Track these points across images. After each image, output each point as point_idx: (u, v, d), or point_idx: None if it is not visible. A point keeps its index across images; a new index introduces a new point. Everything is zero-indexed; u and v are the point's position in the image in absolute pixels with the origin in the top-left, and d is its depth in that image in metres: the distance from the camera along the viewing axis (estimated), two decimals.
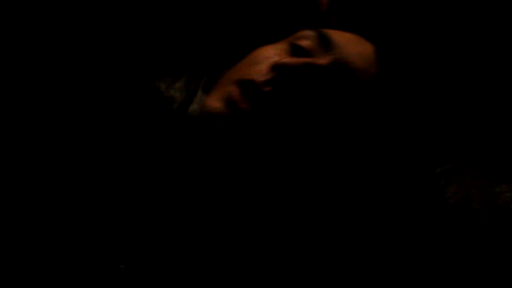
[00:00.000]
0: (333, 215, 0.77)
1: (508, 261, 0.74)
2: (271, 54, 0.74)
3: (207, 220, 0.74)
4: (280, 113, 0.71)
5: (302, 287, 0.73)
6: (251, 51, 0.77)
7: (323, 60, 0.72)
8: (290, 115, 0.72)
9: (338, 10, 0.89)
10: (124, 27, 0.82)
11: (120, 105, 0.93)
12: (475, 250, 0.76)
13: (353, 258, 0.77)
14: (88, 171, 0.84)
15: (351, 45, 0.75)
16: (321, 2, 0.92)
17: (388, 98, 0.77)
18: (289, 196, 0.75)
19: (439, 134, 1.10)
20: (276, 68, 0.71)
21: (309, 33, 0.76)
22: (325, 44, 0.74)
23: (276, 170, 0.74)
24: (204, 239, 0.73)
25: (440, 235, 0.78)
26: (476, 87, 1.09)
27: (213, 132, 0.72)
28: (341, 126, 0.74)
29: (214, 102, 0.72)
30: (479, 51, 1.08)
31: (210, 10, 0.85)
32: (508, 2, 1.05)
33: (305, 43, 0.75)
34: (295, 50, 0.75)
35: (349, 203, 0.77)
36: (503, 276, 0.74)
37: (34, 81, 0.97)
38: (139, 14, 0.84)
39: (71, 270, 0.76)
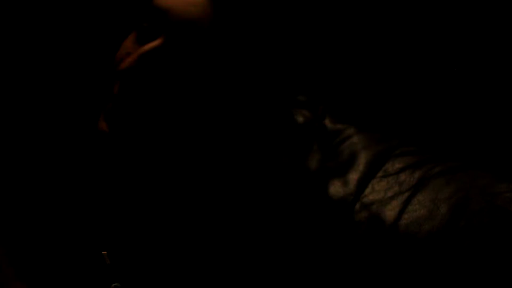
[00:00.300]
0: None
1: (508, 262, 0.74)
2: (124, 54, 0.76)
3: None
4: (145, 102, 0.73)
5: None
6: None
7: (155, 42, 0.73)
8: (155, 96, 0.73)
9: None
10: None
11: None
12: (475, 251, 0.76)
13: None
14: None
15: (178, 0, 0.73)
16: None
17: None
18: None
19: (439, 134, 1.10)
20: (118, 75, 0.73)
21: (144, 10, 0.76)
22: (158, 15, 0.74)
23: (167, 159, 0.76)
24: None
25: (439, 236, 0.78)
26: (476, 87, 1.09)
27: (107, 147, 0.76)
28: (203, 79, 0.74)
29: (100, 123, 0.75)
30: (479, 51, 1.08)
31: None
32: (508, 2, 1.05)
33: (143, 23, 0.75)
34: (140, 34, 0.76)
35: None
36: (503, 277, 0.74)
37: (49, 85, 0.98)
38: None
39: (71, 270, 0.76)
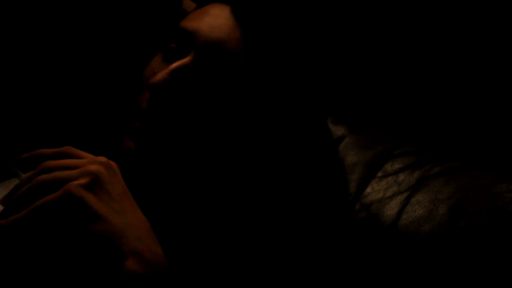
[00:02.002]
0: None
1: (508, 262, 0.74)
2: (150, 73, 0.77)
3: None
4: (174, 119, 0.74)
5: None
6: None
7: (186, 59, 0.75)
8: (184, 113, 0.74)
9: None
10: None
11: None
12: (475, 251, 0.76)
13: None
14: None
15: (206, 23, 0.76)
16: None
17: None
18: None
19: (439, 134, 1.10)
20: (148, 89, 0.74)
21: (174, 31, 0.78)
22: (187, 35, 0.76)
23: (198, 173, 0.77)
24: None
25: (438, 236, 0.78)
26: (476, 87, 1.09)
27: (135, 168, 0.75)
28: (236, 107, 0.75)
29: (126, 142, 0.75)
30: (479, 51, 1.08)
31: None
32: (508, 2, 1.05)
33: (171, 44, 0.78)
34: (167, 54, 0.78)
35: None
36: (503, 277, 0.74)
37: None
38: None
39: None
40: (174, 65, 0.74)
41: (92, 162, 0.63)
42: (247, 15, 0.76)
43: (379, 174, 0.87)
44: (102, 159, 0.65)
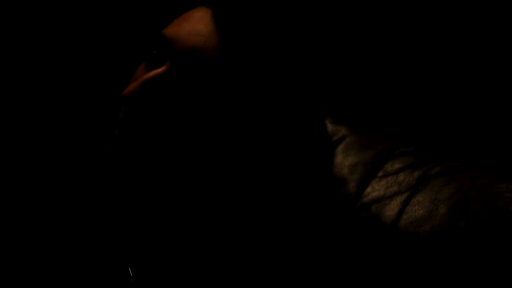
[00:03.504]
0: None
1: (508, 262, 0.74)
2: (132, 79, 0.77)
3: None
4: (148, 129, 0.74)
5: None
6: None
7: (159, 69, 0.74)
8: (158, 122, 0.74)
9: None
10: None
11: None
12: (475, 251, 0.76)
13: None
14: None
15: (185, 30, 0.75)
16: None
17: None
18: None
19: (439, 134, 1.10)
20: (121, 101, 0.74)
21: (153, 38, 0.78)
22: (164, 44, 0.75)
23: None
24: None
25: (439, 237, 0.78)
26: (476, 87, 1.09)
27: (112, 174, 0.77)
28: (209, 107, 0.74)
29: (107, 149, 0.76)
30: (479, 51, 1.08)
31: None
32: (508, 2, 1.05)
33: (152, 51, 0.77)
34: (149, 62, 0.78)
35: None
36: (503, 277, 0.74)
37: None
38: None
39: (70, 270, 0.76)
40: (147, 75, 0.74)
41: None
42: (226, 20, 0.74)
43: (380, 174, 0.87)
44: None
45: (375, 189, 0.86)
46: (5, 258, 0.78)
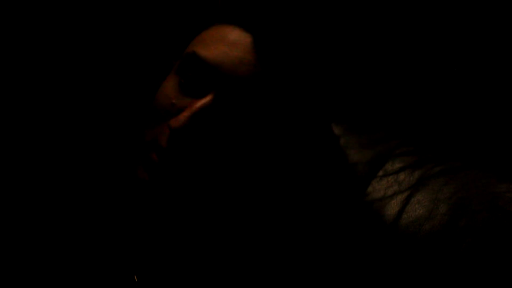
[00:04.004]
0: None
1: (508, 262, 0.74)
2: (167, 102, 0.76)
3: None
4: (193, 157, 0.74)
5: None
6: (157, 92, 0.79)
7: (206, 100, 0.73)
8: (204, 152, 0.74)
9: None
10: None
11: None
12: (475, 251, 0.76)
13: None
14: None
15: (228, 56, 0.73)
16: None
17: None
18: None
19: (439, 134, 1.10)
20: (171, 131, 0.72)
21: (188, 59, 0.76)
22: (206, 70, 0.74)
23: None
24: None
25: (439, 236, 0.78)
26: (476, 87, 1.09)
27: (147, 197, 0.75)
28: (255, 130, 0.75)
29: (140, 172, 0.75)
30: (479, 51, 1.08)
31: None
32: (508, 2, 1.05)
33: (188, 72, 0.76)
34: (185, 83, 0.76)
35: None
36: (503, 277, 0.74)
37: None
38: None
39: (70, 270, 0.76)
40: (197, 106, 0.72)
41: None
42: (271, 49, 0.74)
43: (380, 173, 0.87)
44: None
45: (375, 189, 0.86)
46: (8, 259, 0.78)
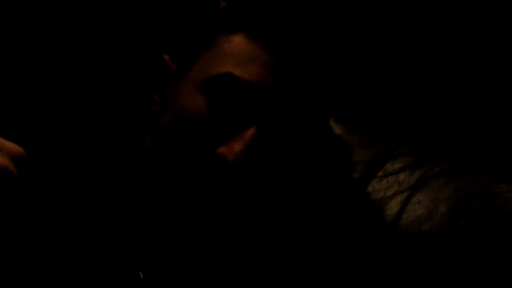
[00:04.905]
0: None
1: (508, 262, 0.74)
2: (199, 119, 0.74)
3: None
4: (249, 185, 0.73)
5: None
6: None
7: (250, 131, 0.72)
8: (260, 174, 0.74)
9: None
10: None
11: None
12: (475, 251, 0.76)
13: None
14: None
15: (261, 77, 0.74)
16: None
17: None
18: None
19: (439, 134, 1.10)
20: (225, 164, 0.71)
21: (222, 78, 0.75)
22: (240, 88, 0.73)
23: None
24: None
25: (439, 236, 0.78)
26: (476, 87, 1.09)
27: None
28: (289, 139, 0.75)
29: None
30: (479, 51, 1.08)
31: None
32: (508, 2, 1.05)
33: (222, 94, 0.75)
34: (217, 100, 0.75)
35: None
36: (503, 277, 0.74)
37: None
38: None
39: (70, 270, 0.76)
40: (245, 141, 0.71)
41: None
42: (289, 62, 0.75)
43: (380, 173, 0.87)
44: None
45: (375, 189, 0.86)
46: (8, 259, 0.78)
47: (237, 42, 0.76)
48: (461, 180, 0.84)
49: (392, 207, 0.83)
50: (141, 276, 0.76)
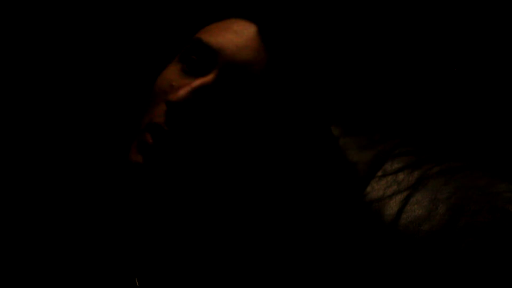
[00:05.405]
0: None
1: (507, 262, 0.74)
2: (166, 85, 0.75)
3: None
4: (190, 138, 0.72)
5: None
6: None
7: (208, 78, 0.73)
8: (202, 132, 0.73)
9: None
10: None
11: None
12: (475, 251, 0.76)
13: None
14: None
15: (231, 41, 0.74)
16: None
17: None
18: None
19: (439, 133, 1.10)
20: (168, 105, 0.72)
21: (195, 43, 0.76)
22: (210, 51, 0.74)
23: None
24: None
25: (438, 236, 0.78)
26: (476, 87, 1.09)
27: (141, 181, 0.74)
28: (253, 117, 0.74)
29: (134, 155, 0.73)
30: (479, 51, 1.08)
31: None
32: (508, 2, 1.05)
33: (192, 56, 0.76)
34: (188, 67, 0.76)
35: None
36: (503, 277, 0.74)
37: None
38: None
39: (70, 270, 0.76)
40: (197, 83, 0.72)
41: None
42: (276, 39, 0.75)
43: (379, 173, 0.87)
44: None
45: (374, 189, 0.86)
46: (8, 259, 0.78)
47: (226, 20, 0.78)
48: (460, 180, 0.84)
49: (391, 207, 0.83)
50: (137, 284, 0.76)
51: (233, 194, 0.77)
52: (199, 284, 0.76)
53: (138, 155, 0.73)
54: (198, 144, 0.73)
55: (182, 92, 0.72)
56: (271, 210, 0.80)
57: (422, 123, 1.13)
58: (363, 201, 0.85)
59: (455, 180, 0.84)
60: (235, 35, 0.74)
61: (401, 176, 0.86)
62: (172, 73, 0.77)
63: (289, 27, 0.77)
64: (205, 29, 0.78)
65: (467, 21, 1.09)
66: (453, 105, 1.11)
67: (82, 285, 0.76)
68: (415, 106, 1.14)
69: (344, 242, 0.81)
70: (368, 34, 1.15)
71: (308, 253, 0.79)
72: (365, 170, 0.88)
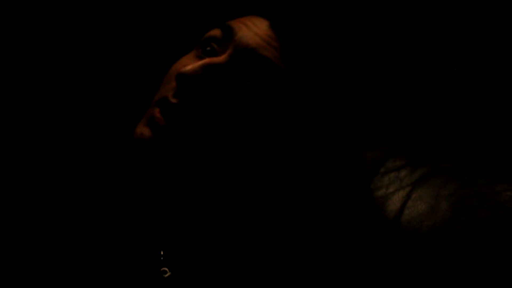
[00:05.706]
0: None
1: (509, 258, 0.74)
2: (181, 66, 0.75)
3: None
4: (196, 116, 0.72)
5: None
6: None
7: (220, 58, 0.73)
8: (209, 112, 0.72)
9: None
10: None
11: None
12: (477, 247, 0.76)
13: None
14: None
15: (248, 28, 0.75)
16: None
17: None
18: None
19: (439, 133, 1.10)
20: (177, 78, 0.72)
21: (215, 30, 0.77)
22: (228, 35, 0.75)
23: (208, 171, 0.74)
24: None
25: (440, 232, 0.78)
26: (476, 87, 1.09)
27: (147, 157, 0.73)
28: (262, 110, 0.73)
29: (140, 128, 0.73)
30: (479, 51, 1.09)
31: None
32: (508, 2, 1.06)
33: (212, 42, 0.77)
34: (203, 52, 0.77)
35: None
36: (505, 274, 0.74)
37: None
38: None
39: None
40: (207, 60, 0.73)
41: None
42: (285, 29, 0.75)
43: (381, 170, 0.88)
44: None
45: (377, 186, 0.86)
46: (8, 259, 0.78)
47: (240, 18, 0.78)
48: (462, 178, 0.85)
49: (394, 203, 0.83)
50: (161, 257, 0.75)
51: (237, 183, 0.76)
52: (199, 284, 0.76)
53: (145, 127, 0.72)
54: (205, 125, 0.72)
55: (192, 65, 0.72)
56: (276, 203, 0.79)
57: (422, 123, 1.13)
58: (366, 198, 0.85)
59: (457, 178, 0.84)
60: (252, 25, 0.75)
61: (403, 172, 0.87)
62: (187, 58, 0.77)
63: (301, 23, 0.78)
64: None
65: (467, 21, 1.09)
66: (453, 105, 1.11)
67: (90, 274, 0.75)
68: (415, 106, 1.14)
69: (347, 238, 0.81)
70: (363, 37, 1.16)
71: (311, 249, 0.78)
72: (368, 167, 0.88)
